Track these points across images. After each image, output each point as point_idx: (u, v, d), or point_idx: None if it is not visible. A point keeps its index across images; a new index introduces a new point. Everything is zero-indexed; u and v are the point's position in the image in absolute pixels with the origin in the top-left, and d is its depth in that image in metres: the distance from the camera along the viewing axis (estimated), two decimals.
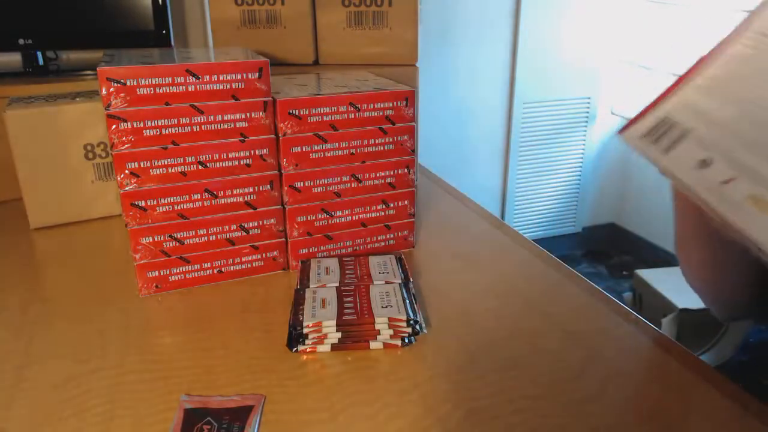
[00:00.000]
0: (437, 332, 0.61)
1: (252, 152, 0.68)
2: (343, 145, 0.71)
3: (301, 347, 0.58)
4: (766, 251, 0.35)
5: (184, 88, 0.63)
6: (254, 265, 0.72)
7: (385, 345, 0.58)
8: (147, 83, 0.61)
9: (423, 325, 0.60)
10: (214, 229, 0.69)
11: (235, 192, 0.68)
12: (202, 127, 0.65)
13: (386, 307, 0.60)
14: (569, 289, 0.70)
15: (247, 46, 0.97)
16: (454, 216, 0.93)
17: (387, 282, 0.66)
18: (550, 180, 2.49)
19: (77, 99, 0.86)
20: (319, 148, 0.70)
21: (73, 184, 0.87)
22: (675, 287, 1.59)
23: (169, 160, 0.64)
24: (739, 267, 0.55)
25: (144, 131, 0.63)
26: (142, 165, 0.64)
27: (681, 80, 0.41)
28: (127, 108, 0.61)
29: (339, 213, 0.74)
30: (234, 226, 0.70)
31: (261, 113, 0.67)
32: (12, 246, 0.81)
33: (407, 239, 0.80)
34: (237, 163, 0.67)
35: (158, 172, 0.64)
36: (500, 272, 0.74)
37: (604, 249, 2.63)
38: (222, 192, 0.68)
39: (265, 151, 0.68)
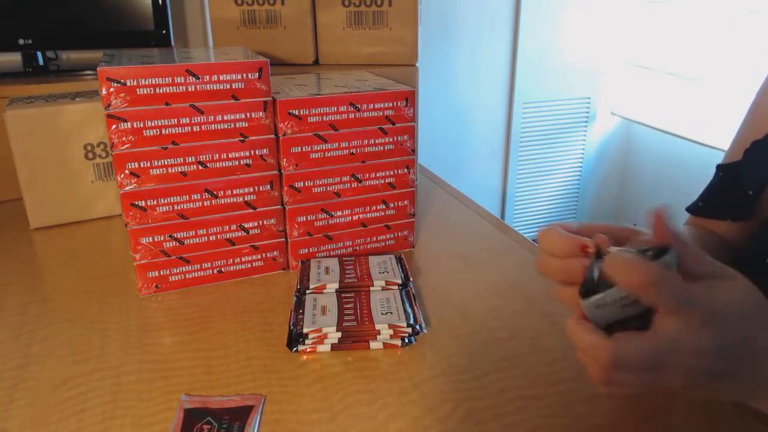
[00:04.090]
0: (437, 332, 0.61)
1: (252, 152, 0.68)
2: (343, 145, 0.71)
3: (301, 347, 0.58)
4: None
5: (184, 88, 0.63)
6: (254, 265, 0.72)
7: (385, 345, 0.58)
8: (147, 83, 0.61)
9: (423, 326, 0.60)
10: (214, 229, 0.69)
11: (235, 192, 0.68)
12: (202, 127, 0.65)
13: (386, 314, 0.60)
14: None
15: (247, 46, 0.97)
16: (454, 216, 0.93)
17: (387, 282, 0.66)
18: (550, 180, 2.49)
19: (77, 99, 0.86)
20: (319, 148, 0.70)
21: (73, 184, 0.87)
22: None
23: (169, 160, 0.64)
24: None
25: (144, 131, 0.63)
26: (142, 165, 0.64)
27: None
28: (127, 108, 0.61)
29: (339, 213, 0.74)
30: (234, 226, 0.70)
31: (261, 113, 0.67)
32: (12, 246, 0.81)
33: (407, 239, 0.80)
34: (237, 163, 0.67)
35: (158, 172, 0.64)
36: (500, 272, 0.74)
37: None
38: (222, 192, 0.68)
39: (265, 151, 0.68)
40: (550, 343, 0.59)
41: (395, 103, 0.72)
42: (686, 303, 0.35)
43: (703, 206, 0.67)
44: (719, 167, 0.66)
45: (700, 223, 0.67)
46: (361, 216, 0.75)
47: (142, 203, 0.65)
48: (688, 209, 0.68)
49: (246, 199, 0.69)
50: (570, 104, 2.39)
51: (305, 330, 0.57)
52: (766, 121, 0.61)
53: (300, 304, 0.62)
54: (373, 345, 0.58)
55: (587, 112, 2.43)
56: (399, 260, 0.71)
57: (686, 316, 0.35)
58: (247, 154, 0.68)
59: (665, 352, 0.36)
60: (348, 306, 0.61)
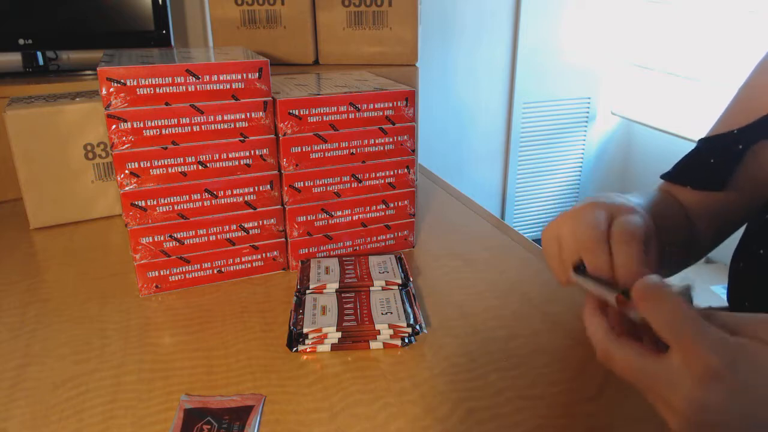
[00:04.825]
0: (437, 332, 0.61)
1: (252, 152, 0.68)
2: (343, 145, 0.71)
3: (301, 347, 0.58)
4: None
5: (184, 88, 0.63)
6: (254, 265, 0.72)
7: (385, 345, 0.58)
8: (147, 83, 0.61)
9: (423, 326, 0.60)
10: (214, 229, 0.69)
11: (235, 192, 0.68)
12: (202, 127, 0.65)
13: (386, 314, 0.60)
14: (569, 289, 0.70)
15: (247, 46, 0.97)
16: (454, 216, 0.93)
17: (387, 282, 0.66)
18: (550, 180, 2.49)
19: (77, 99, 0.86)
20: (319, 148, 0.70)
21: (73, 184, 0.87)
22: None
23: (169, 160, 0.64)
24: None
25: (144, 131, 0.63)
26: (142, 165, 0.64)
27: None
28: (127, 108, 0.61)
29: (339, 213, 0.74)
30: (234, 226, 0.70)
31: (261, 113, 0.67)
32: (12, 246, 0.81)
33: (407, 239, 0.80)
34: (237, 163, 0.67)
35: (158, 172, 0.64)
36: (500, 272, 0.74)
37: None
38: (222, 192, 0.68)
39: (265, 151, 0.68)
40: (550, 343, 0.59)
41: (395, 103, 0.72)
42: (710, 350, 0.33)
43: (672, 172, 0.68)
44: (699, 140, 0.67)
45: (668, 189, 0.68)
46: (361, 216, 0.75)
47: (142, 203, 0.65)
48: (663, 176, 0.69)
49: (246, 199, 0.69)
50: (570, 104, 2.39)
51: (305, 330, 0.57)
52: (743, 111, 0.62)
53: (300, 304, 0.62)
54: (373, 345, 0.58)
55: (587, 112, 2.43)
56: (399, 260, 0.71)
57: (700, 364, 0.33)
58: (247, 154, 0.68)
59: (655, 380, 0.35)
60: (348, 306, 0.61)
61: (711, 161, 0.63)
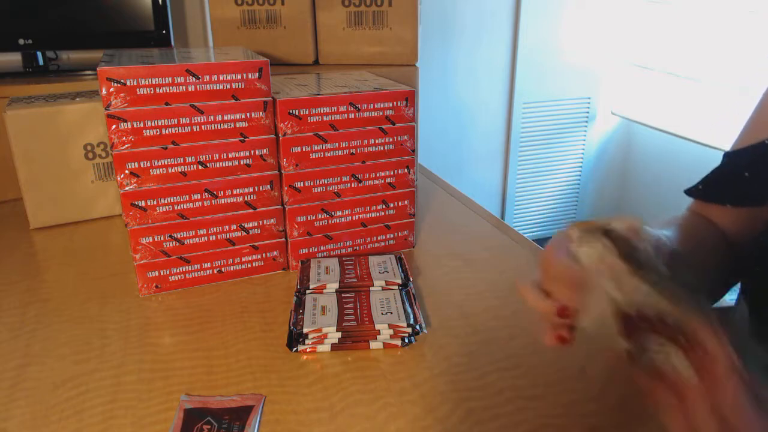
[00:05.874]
0: (437, 332, 0.61)
1: (252, 152, 0.68)
2: (343, 145, 0.71)
3: (301, 347, 0.58)
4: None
5: (184, 88, 0.63)
6: (254, 265, 0.72)
7: (385, 345, 0.58)
8: (147, 83, 0.61)
9: (423, 326, 0.60)
10: (214, 229, 0.69)
11: (235, 192, 0.68)
12: (202, 127, 0.65)
13: (386, 314, 0.60)
14: None
15: (247, 46, 0.97)
16: (454, 216, 0.93)
17: (387, 282, 0.66)
18: (550, 180, 2.49)
19: (77, 99, 0.86)
20: (319, 148, 0.70)
21: (73, 184, 0.87)
22: None
23: (169, 160, 0.64)
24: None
25: (144, 131, 0.63)
26: (142, 165, 0.64)
27: None
28: (127, 108, 0.61)
29: (339, 213, 0.74)
30: (234, 226, 0.70)
31: (261, 113, 0.67)
32: (12, 246, 0.81)
33: (407, 239, 0.80)
34: (237, 163, 0.67)
35: (158, 172, 0.64)
36: (500, 272, 0.74)
37: None
38: (222, 192, 0.68)
39: (265, 151, 0.68)
40: None
41: (395, 103, 0.72)
42: None
43: (703, 189, 0.63)
44: (725, 154, 0.63)
45: (700, 211, 0.64)
46: (361, 216, 0.75)
47: (142, 203, 0.65)
48: (688, 192, 0.64)
49: (246, 199, 0.69)
50: (570, 104, 2.39)
51: (305, 330, 0.57)
52: None
53: (300, 304, 0.62)
54: (373, 345, 0.58)
55: (587, 112, 2.43)
56: (399, 260, 0.71)
57: None
58: (247, 154, 0.68)
59: None
60: (348, 306, 0.61)
61: (745, 175, 0.59)
